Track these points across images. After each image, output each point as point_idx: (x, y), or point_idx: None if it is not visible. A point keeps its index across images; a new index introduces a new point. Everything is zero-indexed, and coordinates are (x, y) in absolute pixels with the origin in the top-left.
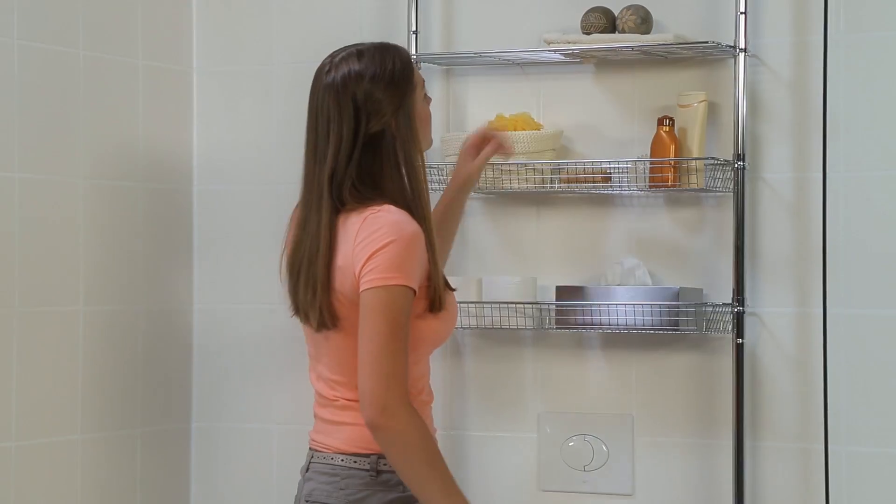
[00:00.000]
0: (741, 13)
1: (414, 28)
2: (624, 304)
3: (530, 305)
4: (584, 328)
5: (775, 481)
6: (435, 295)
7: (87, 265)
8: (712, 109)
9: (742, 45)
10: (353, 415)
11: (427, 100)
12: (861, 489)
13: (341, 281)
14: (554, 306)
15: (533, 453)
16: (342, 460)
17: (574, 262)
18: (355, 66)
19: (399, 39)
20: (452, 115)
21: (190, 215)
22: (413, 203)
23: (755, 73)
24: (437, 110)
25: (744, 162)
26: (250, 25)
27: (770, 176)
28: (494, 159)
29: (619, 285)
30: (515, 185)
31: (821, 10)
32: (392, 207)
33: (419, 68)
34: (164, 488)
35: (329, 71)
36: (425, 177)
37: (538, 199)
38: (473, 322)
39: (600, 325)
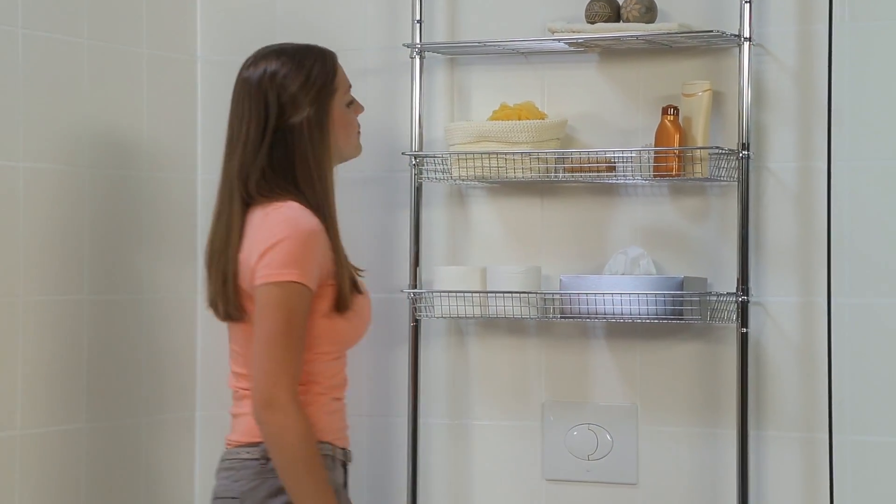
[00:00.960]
0: (746, 2)
1: (418, 17)
2: (628, 294)
3: (534, 295)
4: (588, 317)
5: (779, 471)
6: (339, 295)
7: (90, 254)
8: (717, 99)
9: (747, 34)
10: (248, 404)
11: (356, 107)
12: (865, 478)
13: (242, 274)
14: (558, 295)
15: (537, 443)
16: (237, 453)
17: (578, 252)
18: (273, 64)
19: (403, 28)
20: (457, 104)
21: (194, 204)
22: (321, 202)
23: (760, 63)
24: (441, 99)
25: (748, 151)
26: (254, 14)
27: (775, 165)
28: (498, 149)
29: (623, 274)
30: (520, 175)
31: None
32: (294, 204)
33: (423, 58)
34: (169, 477)
35: (248, 66)
36: (332, 180)
37: (542, 188)
38: (478, 311)
39: (604, 314)
